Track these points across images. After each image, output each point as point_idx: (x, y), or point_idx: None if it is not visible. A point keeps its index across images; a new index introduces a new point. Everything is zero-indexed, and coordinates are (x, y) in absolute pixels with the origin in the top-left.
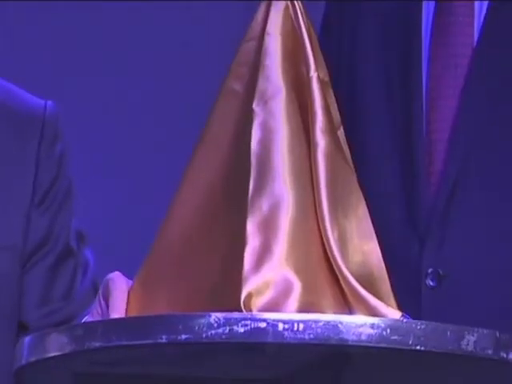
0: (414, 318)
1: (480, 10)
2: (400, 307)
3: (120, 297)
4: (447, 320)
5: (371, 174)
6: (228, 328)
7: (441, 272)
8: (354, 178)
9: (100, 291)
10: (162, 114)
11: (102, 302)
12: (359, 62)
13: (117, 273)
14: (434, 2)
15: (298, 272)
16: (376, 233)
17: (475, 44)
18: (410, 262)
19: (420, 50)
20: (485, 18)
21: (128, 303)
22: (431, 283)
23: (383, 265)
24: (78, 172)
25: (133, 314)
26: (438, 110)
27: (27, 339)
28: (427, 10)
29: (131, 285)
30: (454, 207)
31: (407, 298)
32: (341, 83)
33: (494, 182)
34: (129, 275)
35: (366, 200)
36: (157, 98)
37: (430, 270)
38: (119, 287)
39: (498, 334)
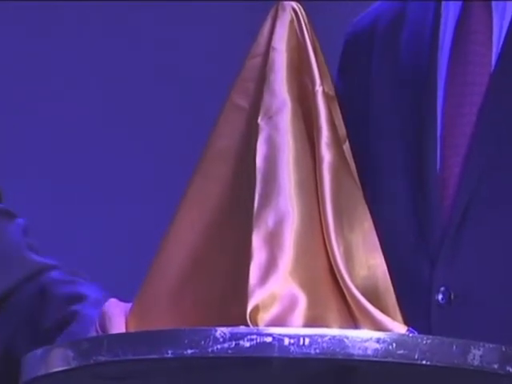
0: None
1: (498, 38)
2: (406, 321)
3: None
4: (458, 338)
5: (383, 196)
6: (234, 343)
7: (452, 292)
8: (359, 192)
9: (97, 323)
10: (160, 129)
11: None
12: (373, 85)
13: (112, 301)
14: (451, 34)
15: (303, 286)
16: (387, 252)
17: (492, 72)
18: (420, 282)
19: (436, 73)
20: (502, 47)
21: (128, 327)
22: (442, 302)
23: (389, 279)
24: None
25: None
26: (453, 136)
27: (33, 354)
28: (443, 34)
29: (130, 307)
30: (466, 230)
31: (417, 315)
32: (355, 109)
33: (507, 206)
34: (129, 287)
35: (377, 220)
36: (155, 114)
37: (441, 289)
38: (117, 321)
39: (503, 349)
